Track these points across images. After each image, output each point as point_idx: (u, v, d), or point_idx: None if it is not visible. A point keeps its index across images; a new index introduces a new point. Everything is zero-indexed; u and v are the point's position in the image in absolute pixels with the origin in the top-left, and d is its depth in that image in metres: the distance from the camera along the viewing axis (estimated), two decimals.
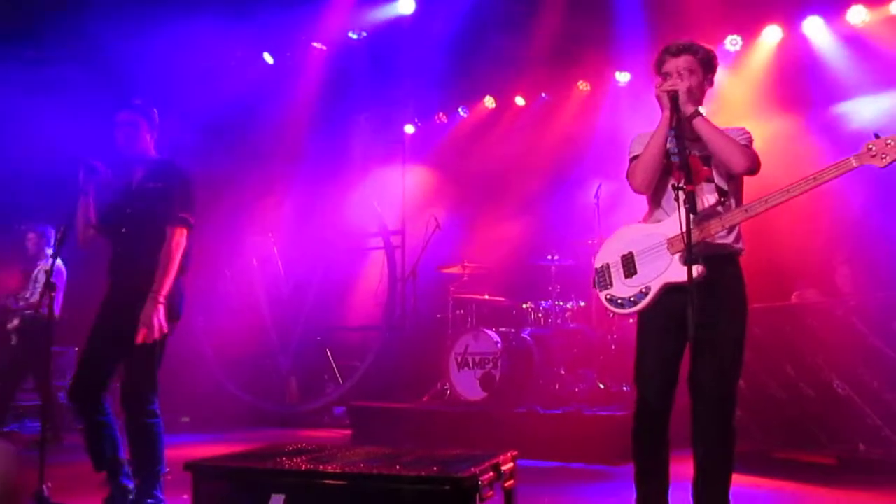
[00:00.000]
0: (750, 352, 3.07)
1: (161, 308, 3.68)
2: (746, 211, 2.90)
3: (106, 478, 3.79)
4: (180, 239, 3.82)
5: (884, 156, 2.65)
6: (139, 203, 3.87)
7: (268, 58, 8.69)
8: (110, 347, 3.79)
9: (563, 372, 6.53)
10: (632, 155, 3.23)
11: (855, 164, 2.70)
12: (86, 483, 4.03)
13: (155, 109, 4.09)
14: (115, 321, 3.78)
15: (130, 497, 3.75)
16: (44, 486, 3.66)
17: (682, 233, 2.76)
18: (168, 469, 3.84)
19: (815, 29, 7.02)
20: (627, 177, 3.20)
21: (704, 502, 2.93)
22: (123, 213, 3.90)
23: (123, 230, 3.89)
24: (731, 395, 2.94)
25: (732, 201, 3.01)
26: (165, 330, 3.72)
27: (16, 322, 6.85)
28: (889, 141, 2.64)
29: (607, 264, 3.24)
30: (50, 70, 7.62)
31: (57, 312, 6.45)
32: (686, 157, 2.80)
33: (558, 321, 6.94)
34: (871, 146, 2.67)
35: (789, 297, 5.83)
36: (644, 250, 3.11)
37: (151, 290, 3.69)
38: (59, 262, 6.34)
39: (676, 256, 2.99)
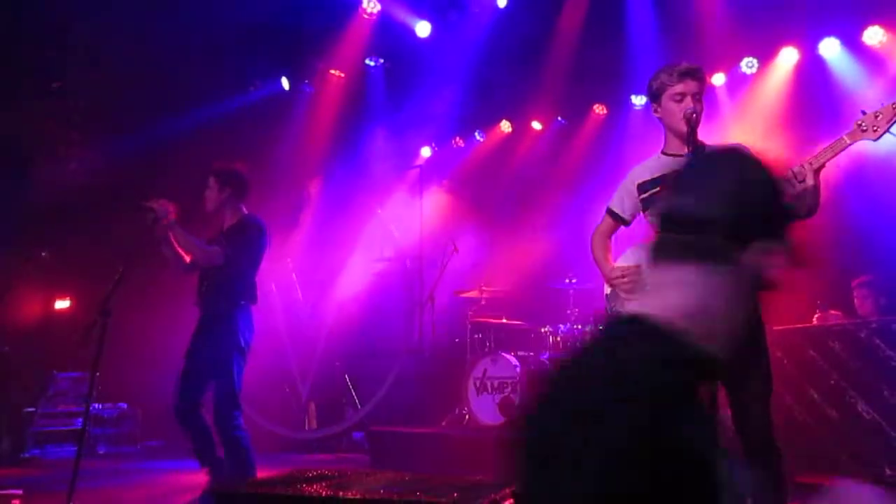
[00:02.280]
0: (773, 374, 3.04)
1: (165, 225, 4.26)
2: None
3: (208, 472, 4.32)
4: (215, 252, 4.44)
5: (875, 128, 2.62)
6: (226, 248, 4.49)
7: (284, 83, 8.80)
8: (199, 371, 4.37)
9: None
10: (611, 206, 3.35)
11: (848, 142, 2.66)
12: None
13: (242, 173, 4.73)
14: (203, 349, 4.40)
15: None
16: None
17: None
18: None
19: (832, 50, 7.02)
20: (592, 236, 3.39)
21: None
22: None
23: (206, 276, 4.54)
24: (769, 419, 2.86)
25: None
26: (167, 214, 4.26)
27: None
28: (878, 114, 2.61)
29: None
30: None
31: None
32: None
33: (577, 345, 6.89)
34: (860, 122, 2.64)
35: (811, 318, 5.78)
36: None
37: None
38: None
39: None
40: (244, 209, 4.75)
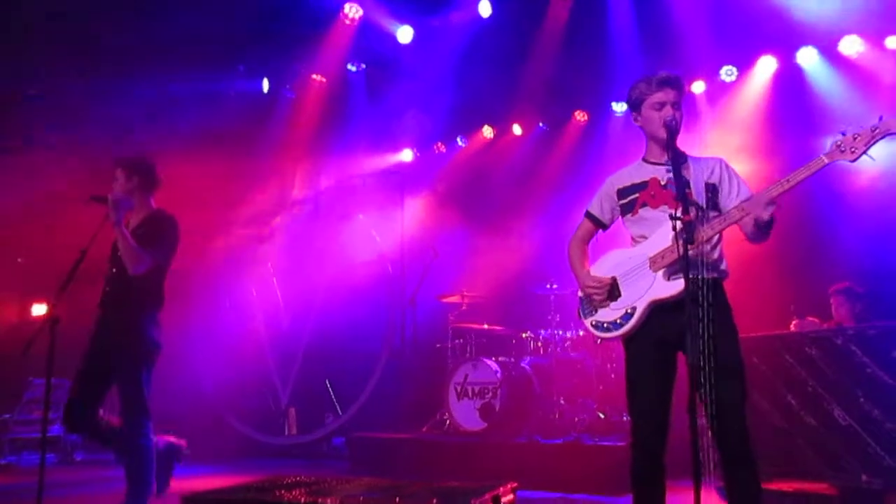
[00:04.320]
0: (750, 380, 3.07)
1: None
2: (724, 219, 2.92)
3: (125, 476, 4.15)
4: (145, 258, 4.17)
5: (853, 150, 2.67)
6: (154, 255, 4.24)
7: (265, 85, 8.77)
8: (98, 376, 4.20)
9: (562, 401, 6.50)
10: (590, 209, 3.37)
11: (826, 161, 2.72)
12: None
13: (150, 164, 4.49)
14: (102, 352, 4.19)
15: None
16: None
17: (662, 252, 2.95)
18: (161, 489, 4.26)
19: (810, 59, 7.11)
20: (570, 241, 3.41)
21: None
22: (115, 254, 4.26)
23: (114, 270, 4.29)
24: (744, 419, 2.88)
25: (712, 213, 3.03)
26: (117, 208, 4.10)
27: None
28: (857, 136, 2.66)
29: None
30: None
31: None
32: (683, 189, 2.81)
33: (558, 350, 6.92)
34: (839, 142, 2.70)
35: (788, 325, 5.83)
36: (626, 273, 3.13)
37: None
38: None
39: (659, 274, 3.01)
40: (153, 203, 4.48)
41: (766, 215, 2.77)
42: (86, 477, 6.34)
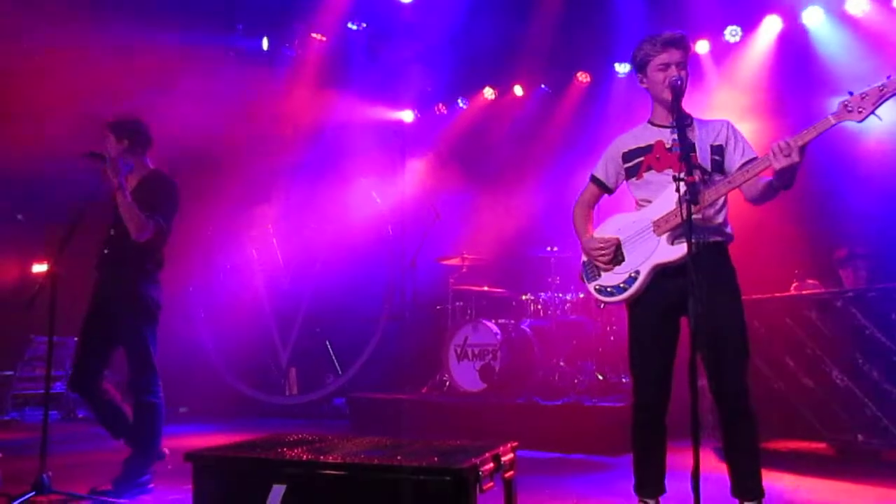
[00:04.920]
0: (749, 342, 3.08)
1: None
2: (730, 182, 2.90)
3: (125, 443, 4.18)
4: (149, 225, 4.13)
5: (860, 109, 2.65)
6: (156, 219, 4.20)
7: (264, 44, 8.67)
8: (101, 338, 4.19)
9: (562, 363, 6.54)
10: (595, 173, 3.33)
11: (833, 122, 2.70)
12: (86, 471, 4.07)
13: (140, 123, 4.40)
14: (104, 314, 4.19)
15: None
16: (44, 475, 3.68)
17: (665, 216, 2.96)
18: (167, 453, 4.24)
19: (816, 19, 7.00)
20: (575, 204, 3.39)
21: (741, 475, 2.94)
22: (115, 215, 4.19)
23: (112, 232, 4.26)
24: (746, 384, 2.92)
25: (717, 177, 3.01)
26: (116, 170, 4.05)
27: None
28: (864, 95, 2.64)
29: None
30: None
31: None
32: (687, 150, 2.78)
33: (558, 312, 6.94)
34: (846, 102, 2.67)
35: (788, 288, 5.84)
36: (630, 237, 3.12)
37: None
38: None
39: (663, 237, 3.00)
40: (149, 163, 4.42)
41: (777, 164, 2.72)
42: (88, 433, 6.40)
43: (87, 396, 4.20)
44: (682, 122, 2.87)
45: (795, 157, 2.69)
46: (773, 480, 4.40)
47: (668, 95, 2.97)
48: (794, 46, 7.11)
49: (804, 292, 5.47)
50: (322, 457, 2.59)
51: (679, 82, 2.94)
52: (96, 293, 4.28)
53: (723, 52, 7.54)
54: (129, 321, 4.17)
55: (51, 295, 3.81)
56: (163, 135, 4.58)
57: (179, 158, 4.66)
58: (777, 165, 2.71)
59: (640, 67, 3.13)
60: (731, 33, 7.43)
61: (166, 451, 4.28)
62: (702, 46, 7.59)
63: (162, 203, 4.25)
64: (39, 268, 9.02)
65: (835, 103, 2.72)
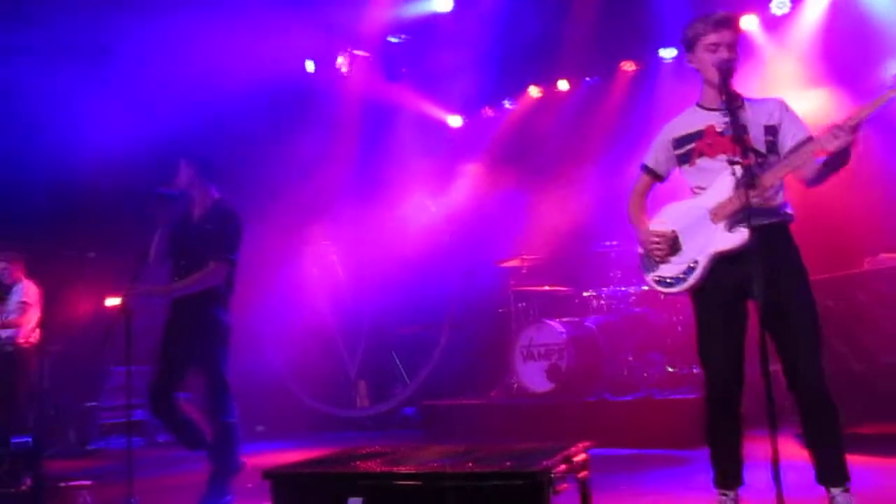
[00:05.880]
0: (825, 323, 2.98)
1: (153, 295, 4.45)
2: (787, 164, 2.84)
3: (206, 457, 4.28)
4: (216, 271, 4.30)
5: None
6: (197, 242, 4.34)
7: (309, 66, 8.81)
8: (176, 362, 4.32)
9: (630, 358, 6.45)
10: (646, 162, 3.28)
11: (891, 95, 2.63)
12: (171, 494, 4.17)
13: (205, 153, 4.57)
14: (178, 340, 4.34)
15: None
16: (131, 500, 3.80)
17: (721, 203, 2.92)
18: (245, 462, 4.34)
19: None
20: (628, 196, 3.35)
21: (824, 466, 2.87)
22: (183, 247, 4.38)
23: (183, 262, 4.39)
24: (820, 367, 2.83)
25: (772, 158, 2.94)
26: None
27: None
28: None
29: None
30: None
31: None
32: (740, 133, 2.72)
33: (622, 307, 6.86)
34: None
35: (861, 263, 5.63)
36: (686, 226, 3.06)
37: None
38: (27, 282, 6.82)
39: (721, 225, 2.94)
40: (214, 192, 4.52)
41: (831, 146, 2.66)
42: (171, 457, 6.58)
43: (163, 416, 4.33)
44: (732, 105, 2.81)
45: (849, 137, 2.62)
46: (860, 465, 4.25)
47: (716, 77, 2.90)
48: (847, 12, 6.87)
49: (877, 265, 5.27)
50: (396, 467, 2.61)
51: (728, 64, 2.88)
52: (170, 319, 4.42)
53: (773, 24, 7.34)
54: (203, 345, 4.30)
55: (126, 327, 3.97)
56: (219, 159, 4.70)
57: (235, 180, 4.75)
58: (830, 148, 2.65)
59: (689, 46, 3.08)
60: (779, 5, 7.23)
61: (244, 461, 4.40)
62: (750, 21, 7.39)
63: (230, 237, 4.38)
64: (112, 301, 9.32)
65: (893, 68, 2.66)
